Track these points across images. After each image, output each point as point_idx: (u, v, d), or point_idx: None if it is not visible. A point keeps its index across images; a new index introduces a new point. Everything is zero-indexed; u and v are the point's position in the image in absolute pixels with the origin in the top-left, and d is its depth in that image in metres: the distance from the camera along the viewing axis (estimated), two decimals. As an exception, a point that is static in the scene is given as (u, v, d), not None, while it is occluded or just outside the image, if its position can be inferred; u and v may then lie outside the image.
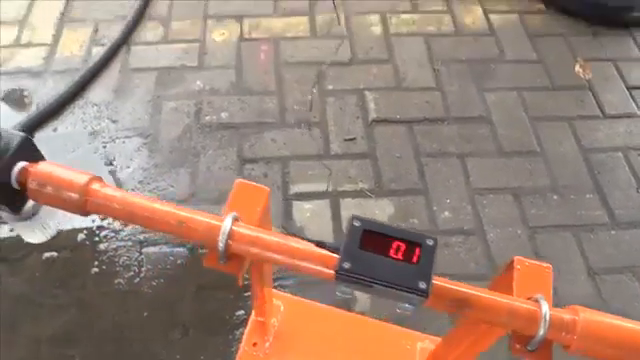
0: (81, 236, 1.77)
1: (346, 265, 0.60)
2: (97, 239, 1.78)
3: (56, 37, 2.28)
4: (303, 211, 1.84)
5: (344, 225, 1.77)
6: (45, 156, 0.77)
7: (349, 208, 1.84)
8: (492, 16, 2.40)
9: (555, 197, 1.91)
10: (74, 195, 0.74)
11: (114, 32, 2.28)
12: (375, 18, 2.38)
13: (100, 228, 1.80)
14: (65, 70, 2.17)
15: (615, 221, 1.85)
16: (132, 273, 1.72)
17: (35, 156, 0.82)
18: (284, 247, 0.67)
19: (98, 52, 2.22)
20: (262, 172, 1.94)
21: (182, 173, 1.94)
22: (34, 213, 0.87)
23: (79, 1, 2.40)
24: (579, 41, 2.30)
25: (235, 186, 0.77)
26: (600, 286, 1.71)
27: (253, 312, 1.08)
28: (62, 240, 1.76)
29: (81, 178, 0.74)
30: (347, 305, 1.61)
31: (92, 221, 1.80)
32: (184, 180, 1.92)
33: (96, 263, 1.74)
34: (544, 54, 2.27)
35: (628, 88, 2.20)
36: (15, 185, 0.76)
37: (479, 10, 2.42)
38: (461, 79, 2.19)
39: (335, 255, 0.62)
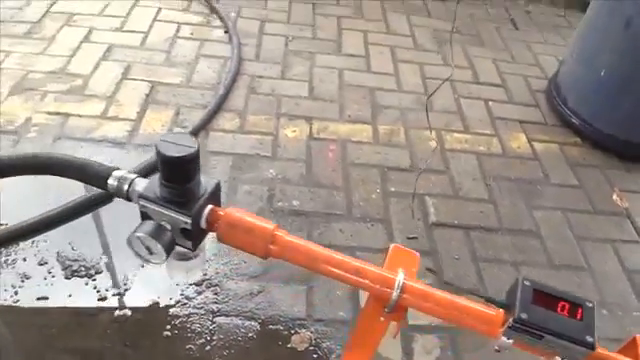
0: (155, 298, 1.80)
1: (523, 315, 0.69)
2: (171, 303, 1.80)
3: (140, 115, 2.46)
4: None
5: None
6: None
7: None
8: (535, 143, 2.67)
9: (604, 312, 2.02)
10: (260, 239, 0.84)
11: (194, 117, 2.47)
12: (431, 133, 2.63)
13: (173, 292, 1.83)
14: (147, 144, 2.32)
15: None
16: (203, 341, 1.73)
17: (218, 200, 0.93)
18: (455, 304, 0.76)
19: (179, 131, 2.38)
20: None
21: (255, 252, 2.01)
22: (195, 255, 0.96)
23: (163, 86, 2.62)
24: (614, 174, 2.56)
25: (392, 249, 0.88)
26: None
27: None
28: (136, 300, 1.79)
29: (268, 225, 0.85)
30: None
31: (169, 284, 1.84)
32: (256, 259, 1.99)
33: (168, 327, 1.75)
34: (584, 181, 2.50)
35: (660, 220, 2.41)
36: (203, 225, 0.86)
37: (523, 137, 2.70)
38: (511, 195, 2.39)
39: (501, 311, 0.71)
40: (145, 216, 0.86)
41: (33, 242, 1.89)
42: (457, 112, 2.78)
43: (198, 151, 0.82)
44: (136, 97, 2.55)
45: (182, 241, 0.88)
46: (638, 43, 2.45)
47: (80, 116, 2.40)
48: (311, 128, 2.56)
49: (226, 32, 3.05)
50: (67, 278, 1.83)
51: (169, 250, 0.85)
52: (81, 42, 2.80)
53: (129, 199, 0.90)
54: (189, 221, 0.83)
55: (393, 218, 2.22)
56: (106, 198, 2.08)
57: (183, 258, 0.95)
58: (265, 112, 2.60)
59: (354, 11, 3.49)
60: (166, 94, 2.60)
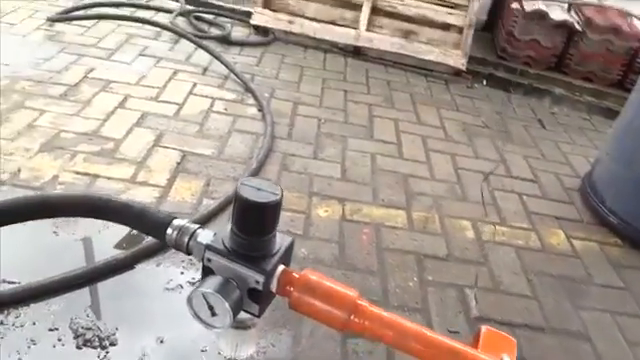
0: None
1: None
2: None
3: (170, 182, 2.37)
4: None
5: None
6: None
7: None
8: (574, 241, 2.56)
9: None
10: (341, 308, 0.72)
11: (226, 189, 2.39)
12: (467, 223, 2.53)
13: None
14: (176, 212, 2.21)
15: None
16: None
17: (289, 261, 0.82)
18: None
19: (209, 203, 2.29)
20: (367, 349, 1.85)
21: (284, 334, 1.84)
22: (253, 325, 0.82)
23: (195, 156, 2.57)
24: (661, 278, 2.43)
25: (484, 332, 0.76)
26: None
27: None
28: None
29: (350, 292, 0.73)
30: None
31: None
32: (286, 341, 1.82)
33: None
34: (629, 283, 2.37)
35: None
36: (274, 287, 0.75)
37: (561, 233, 2.60)
38: (555, 293, 2.24)
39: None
40: (207, 272, 0.75)
41: (47, 304, 1.72)
42: (492, 204, 2.71)
43: (282, 199, 0.72)
44: (167, 164, 2.48)
45: (248, 304, 0.75)
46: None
47: (108, 178, 2.32)
48: (344, 209, 2.46)
49: (259, 110, 3.06)
50: (78, 347, 1.64)
51: (236, 311, 0.73)
52: (116, 108, 2.79)
53: (189, 252, 0.79)
54: (262, 280, 0.71)
55: (432, 308, 2.06)
56: (129, 263, 1.96)
57: (240, 326, 0.81)
58: (297, 190, 2.52)
59: (384, 100, 3.54)
60: (197, 164, 2.53)
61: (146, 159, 2.48)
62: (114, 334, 1.70)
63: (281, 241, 0.77)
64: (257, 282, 0.72)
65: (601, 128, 3.85)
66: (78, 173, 2.31)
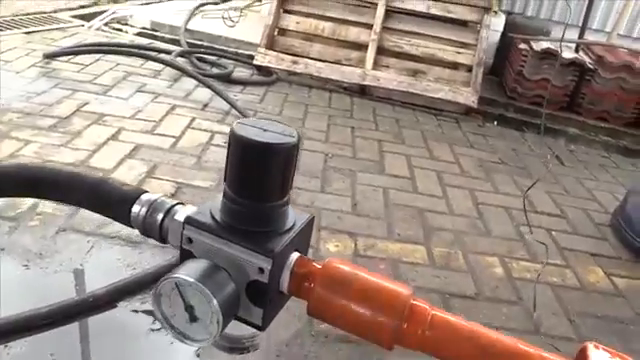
0: None
1: None
2: None
3: (162, 215, 2.14)
4: None
5: None
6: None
7: None
8: (615, 279, 2.28)
9: None
10: (387, 314, 0.49)
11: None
12: (494, 260, 2.26)
13: None
14: (165, 246, 1.96)
15: None
16: None
17: (306, 248, 0.59)
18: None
19: (205, 236, 2.04)
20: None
21: None
22: (253, 346, 0.58)
23: (191, 188, 2.34)
24: None
25: (590, 350, 0.52)
26: None
27: None
28: None
29: (401, 289, 0.50)
30: None
31: None
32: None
33: None
34: (686, 326, 2.07)
35: None
36: (284, 284, 0.51)
37: (599, 271, 2.32)
38: (602, 335, 1.94)
39: None
40: (186, 257, 0.51)
41: (6, 347, 1.43)
42: (520, 240, 2.44)
43: (299, 144, 0.50)
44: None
45: (246, 309, 0.51)
46: None
47: (94, 210, 2.08)
48: (356, 244, 2.20)
49: (262, 144, 2.86)
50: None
51: (228, 316, 0.49)
52: (108, 139, 2.59)
53: (162, 238, 0.57)
54: (268, 267, 0.48)
55: (464, 354, 1.76)
56: (108, 302, 1.68)
57: (234, 347, 0.54)
58: (304, 223, 2.27)
59: (394, 137, 3.35)
60: (193, 196, 2.30)
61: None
62: (88, 383, 1.41)
63: (295, 217, 0.53)
64: (261, 271, 0.48)
65: (622, 166, 3.65)
66: (59, 203, 2.07)
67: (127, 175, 2.33)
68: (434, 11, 3.93)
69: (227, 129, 2.96)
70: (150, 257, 1.90)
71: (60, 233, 1.91)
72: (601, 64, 4.05)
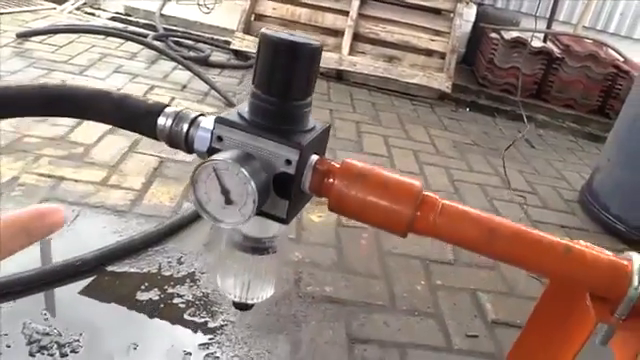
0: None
1: None
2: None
3: (146, 186, 2.14)
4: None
5: None
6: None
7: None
8: (584, 248, 2.40)
9: None
10: (402, 203, 0.53)
11: (208, 193, 2.16)
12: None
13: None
14: (152, 215, 1.97)
15: None
16: None
17: (322, 152, 0.62)
18: None
19: (189, 206, 2.06)
20: (377, 356, 1.60)
21: (281, 340, 1.58)
22: (272, 248, 0.62)
23: (174, 163, 2.35)
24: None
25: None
26: None
27: None
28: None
29: (413, 181, 0.55)
30: None
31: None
32: (284, 347, 1.55)
33: None
34: (650, 289, 2.19)
35: None
36: (306, 184, 0.55)
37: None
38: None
39: None
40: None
41: (-4, 305, 1.43)
42: (494, 212, 2.53)
43: (321, 49, 0.53)
44: (143, 169, 2.25)
45: (273, 202, 0.55)
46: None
47: (76, 181, 2.06)
48: (339, 216, 2.25)
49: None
50: (31, 355, 1.35)
51: (263, 197, 0.51)
52: (87, 115, 2.57)
53: (189, 147, 0.59)
54: (295, 158, 0.51)
55: (445, 313, 1.83)
56: (96, 264, 1.68)
57: (257, 247, 0.57)
58: (287, 195, 2.31)
59: (371, 119, 3.42)
60: (177, 170, 2.31)
61: (119, 164, 2.25)
62: (77, 340, 1.41)
63: (315, 123, 0.57)
64: (288, 163, 0.51)
65: (588, 149, 3.80)
66: (41, 175, 2.05)
67: (110, 150, 2.32)
68: (409, -1, 4.02)
69: (207, 109, 2.98)
70: (136, 225, 1.90)
71: (43, 202, 1.90)
72: (568, 53, 4.21)
